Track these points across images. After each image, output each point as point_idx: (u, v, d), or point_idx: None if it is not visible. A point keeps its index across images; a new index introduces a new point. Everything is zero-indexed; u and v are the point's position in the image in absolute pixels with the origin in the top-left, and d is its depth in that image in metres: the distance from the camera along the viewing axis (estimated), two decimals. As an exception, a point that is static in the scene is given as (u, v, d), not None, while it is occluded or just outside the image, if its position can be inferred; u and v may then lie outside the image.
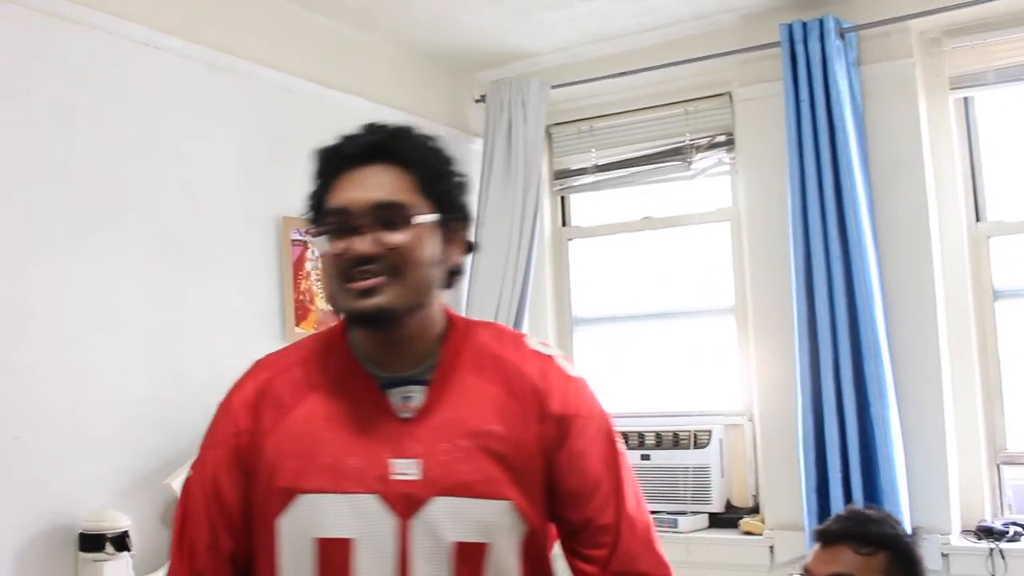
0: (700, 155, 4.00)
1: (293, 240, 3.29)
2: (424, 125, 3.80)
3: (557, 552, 1.53)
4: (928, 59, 3.54)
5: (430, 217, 1.42)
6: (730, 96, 3.89)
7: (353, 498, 1.38)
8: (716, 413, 3.86)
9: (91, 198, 2.71)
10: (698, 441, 3.76)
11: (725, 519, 3.73)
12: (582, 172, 4.28)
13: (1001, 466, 3.44)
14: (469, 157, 4.11)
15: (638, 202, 4.20)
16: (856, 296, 3.30)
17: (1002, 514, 3.41)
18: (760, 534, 3.57)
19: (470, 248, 1.52)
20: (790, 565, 3.42)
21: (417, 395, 1.44)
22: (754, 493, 3.76)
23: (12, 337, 2.49)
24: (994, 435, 3.46)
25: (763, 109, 3.67)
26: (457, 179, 1.49)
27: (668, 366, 4.10)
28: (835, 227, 3.34)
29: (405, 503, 1.38)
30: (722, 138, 3.95)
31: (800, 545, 3.33)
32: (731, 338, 3.90)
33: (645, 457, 3.81)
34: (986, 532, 3.26)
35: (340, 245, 1.39)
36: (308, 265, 3.34)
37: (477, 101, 4.16)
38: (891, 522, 2.03)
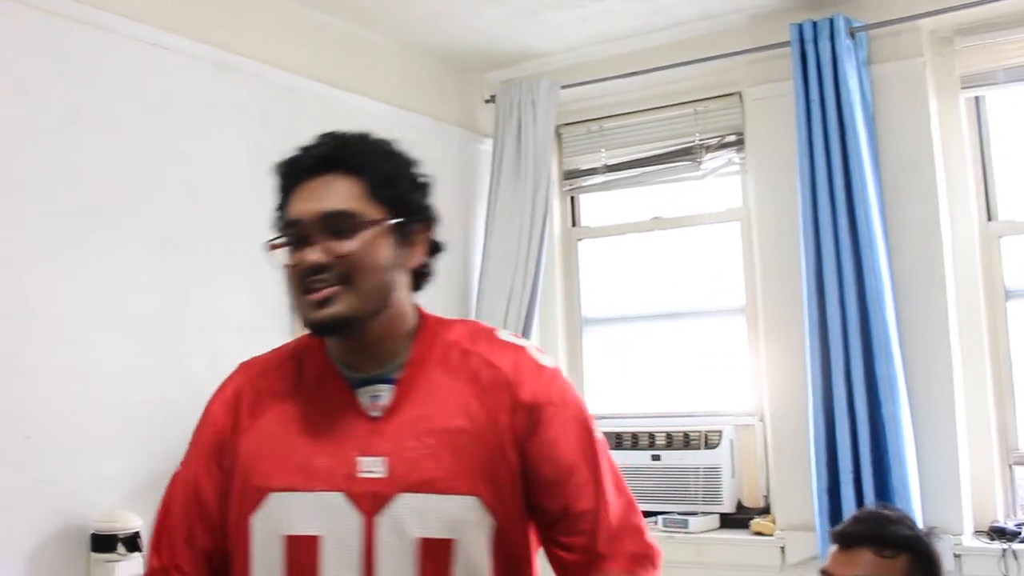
0: (710, 155, 3.99)
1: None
2: (433, 126, 3.90)
3: (541, 553, 1.53)
4: (939, 58, 3.53)
5: (382, 223, 1.43)
6: (740, 96, 3.88)
7: (320, 496, 1.42)
8: (727, 413, 3.85)
9: (94, 197, 2.72)
10: (709, 441, 3.75)
11: (736, 519, 3.71)
12: (592, 172, 4.28)
13: (1013, 466, 3.42)
14: (479, 157, 4.12)
15: (648, 202, 4.19)
16: (867, 296, 3.29)
17: (1015, 515, 3.39)
18: (771, 535, 3.56)
19: (436, 248, 1.54)
20: (801, 566, 3.41)
21: (385, 394, 1.47)
22: (765, 493, 3.74)
23: (14, 336, 2.49)
24: (1006, 435, 3.44)
25: (773, 109, 3.67)
26: (414, 182, 1.50)
27: (678, 366, 4.09)
28: (846, 227, 3.33)
29: (371, 500, 1.41)
30: (732, 138, 3.94)
31: (811, 545, 3.33)
32: (742, 338, 3.89)
33: (656, 458, 3.80)
34: (999, 533, 3.24)
35: (294, 257, 1.43)
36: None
37: (487, 101, 4.16)
38: (908, 523, 2.01)
